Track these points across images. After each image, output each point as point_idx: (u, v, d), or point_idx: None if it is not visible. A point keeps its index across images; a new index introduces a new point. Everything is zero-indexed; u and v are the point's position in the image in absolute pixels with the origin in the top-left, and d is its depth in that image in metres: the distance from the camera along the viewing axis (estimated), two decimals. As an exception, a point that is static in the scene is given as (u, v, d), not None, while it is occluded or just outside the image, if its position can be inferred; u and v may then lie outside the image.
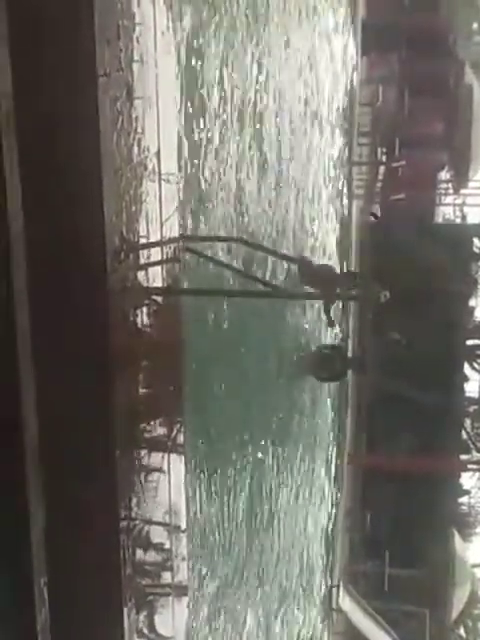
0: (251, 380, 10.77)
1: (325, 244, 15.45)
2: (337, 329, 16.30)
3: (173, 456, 6.41)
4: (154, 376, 5.82)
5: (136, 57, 5.16)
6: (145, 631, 5.88)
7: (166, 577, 6.47)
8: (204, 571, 8.89)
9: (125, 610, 5.27)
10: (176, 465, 6.46)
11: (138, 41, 5.17)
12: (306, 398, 14.82)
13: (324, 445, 16.45)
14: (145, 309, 5.64)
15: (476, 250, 20.93)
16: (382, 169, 22.18)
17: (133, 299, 5.36)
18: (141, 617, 5.72)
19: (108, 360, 4.86)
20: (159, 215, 5.81)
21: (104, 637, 5.27)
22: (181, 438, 6.64)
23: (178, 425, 6.60)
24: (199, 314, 7.99)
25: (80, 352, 4.77)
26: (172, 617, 6.44)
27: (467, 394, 20.98)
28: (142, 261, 5.51)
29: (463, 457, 21.19)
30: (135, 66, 5.14)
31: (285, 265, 10.64)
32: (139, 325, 5.54)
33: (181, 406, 6.68)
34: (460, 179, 23.08)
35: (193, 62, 7.71)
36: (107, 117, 4.66)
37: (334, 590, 17.63)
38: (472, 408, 21.04)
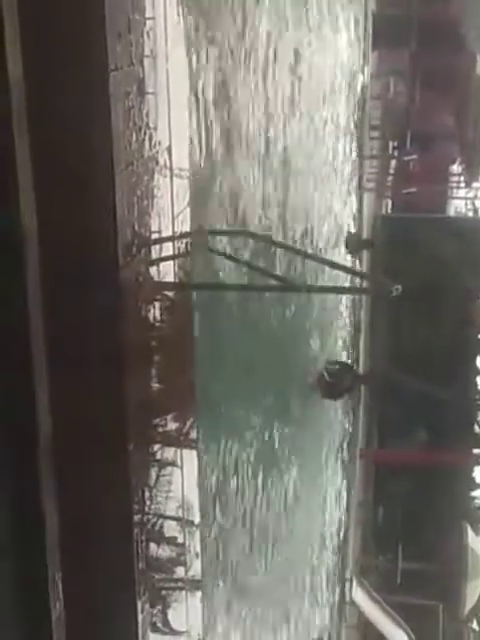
0: (264, 373, 10.77)
1: (338, 237, 15.42)
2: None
3: (186, 450, 6.42)
4: (167, 370, 5.82)
5: (147, 52, 5.15)
6: (159, 625, 5.90)
7: (179, 571, 6.49)
8: (217, 565, 8.90)
9: (139, 604, 5.29)
10: (189, 459, 6.47)
11: (149, 35, 5.17)
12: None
13: (337, 438, 16.44)
14: (157, 304, 5.64)
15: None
16: (393, 163, 22.12)
17: (145, 294, 5.36)
18: (155, 611, 5.74)
19: (121, 355, 4.87)
20: (171, 210, 5.81)
21: (118, 631, 5.29)
22: (194, 432, 6.65)
23: (191, 420, 6.60)
24: (212, 308, 7.99)
25: (93, 347, 4.77)
26: (186, 611, 6.45)
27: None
28: (153, 256, 5.51)
29: (476, 451, 21.15)
30: (146, 61, 5.14)
31: (296, 258, 10.64)
32: (151, 320, 5.55)
33: (194, 400, 6.68)
34: (472, 172, 22.98)
35: (205, 55, 7.70)
36: (119, 112, 4.66)
37: (347, 583, 17.64)
38: (485, 402, 21.00)
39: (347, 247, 15.07)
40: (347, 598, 17.64)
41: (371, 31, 17.77)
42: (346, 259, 15.82)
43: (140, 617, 5.30)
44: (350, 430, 17.56)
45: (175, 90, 5.81)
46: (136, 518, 5.25)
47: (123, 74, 4.71)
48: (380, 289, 6.40)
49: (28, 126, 4.23)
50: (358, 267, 16.51)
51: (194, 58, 7.26)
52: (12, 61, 4.09)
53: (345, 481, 17.09)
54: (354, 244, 15.62)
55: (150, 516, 5.58)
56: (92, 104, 4.46)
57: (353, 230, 16.63)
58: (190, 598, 6.56)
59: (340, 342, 16.40)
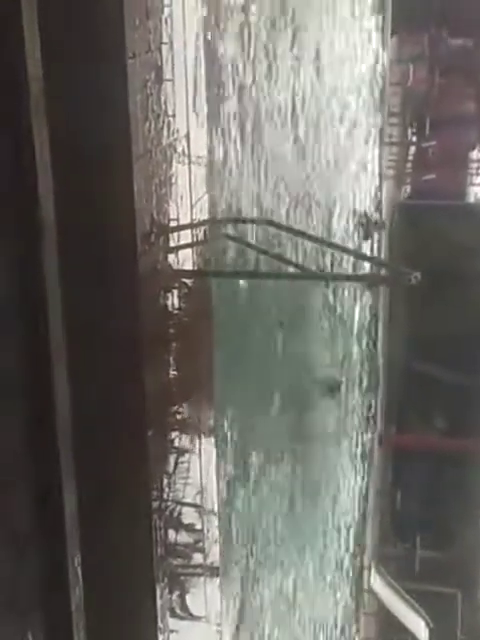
0: (283, 360, 10.78)
1: (357, 225, 15.37)
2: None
3: (204, 437, 6.44)
4: (185, 358, 5.84)
5: (165, 38, 5.15)
6: (177, 610, 5.94)
7: (198, 558, 6.52)
8: (235, 551, 8.94)
9: (158, 589, 5.33)
10: (208, 446, 6.50)
11: (167, 22, 5.16)
12: (340, 377, 14.78)
13: (357, 424, 16.44)
14: (176, 291, 5.65)
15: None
16: (413, 149, 21.99)
17: (164, 281, 5.37)
18: (174, 596, 5.78)
19: (139, 342, 4.89)
20: (189, 197, 5.81)
21: (137, 616, 5.33)
22: (212, 419, 6.67)
23: (209, 406, 6.62)
24: (231, 296, 7.99)
25: (111, 335, 4.80)
26: (205, 597, 6.49)
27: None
28: (172, 244, 5.51)
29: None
30: (164, 47, 5.13)
31: (315, 247, 10.61)
32: (170, 307, 5.56)
33: (212, 387, 6.70)
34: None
35: (223, 42, 7.67)
36: (136, 99, 4.66)
37: (366, 571, 17.67)
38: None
39: (360, 231, 15.13)
40: (365, 586, 17.67)
41: (391, 16, 17.64)
42: (364, 248, 15.79)
43: (159, 602, 5.34)
44: (370, 416, 17.55)
45: (193, 77, 5.81)
46: (154, 505, 5.28)
47: (141, 61, 4.70)
48: (399, 277, 6.38)
49: (46, 114, 4.24)
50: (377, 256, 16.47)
51: (212, 44, 7.24)
52: (30, 49, 4.10)
53: (364, 468, 17.10)
54: (366, 227, 15.65)
55: (168, 503, 5.61)
56: (110, 91, 4.47)
57: (371, 217, 16.60)
58: (208, 584, 6.60)
59: (360, 329, 16.37)
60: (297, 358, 11.75)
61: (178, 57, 5.47)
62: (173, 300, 5.62)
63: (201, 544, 6.47)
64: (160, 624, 5.39)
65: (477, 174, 23.79)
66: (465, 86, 21.63)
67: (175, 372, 5.68)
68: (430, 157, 21.87)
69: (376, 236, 16.91)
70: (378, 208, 17.56)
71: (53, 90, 4.24)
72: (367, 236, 16.01)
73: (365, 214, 16.22)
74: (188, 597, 6.16)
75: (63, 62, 4.32)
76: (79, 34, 4.36)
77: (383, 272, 8.49)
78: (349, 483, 16.01)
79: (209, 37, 7.01)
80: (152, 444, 5.11)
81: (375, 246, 16.87)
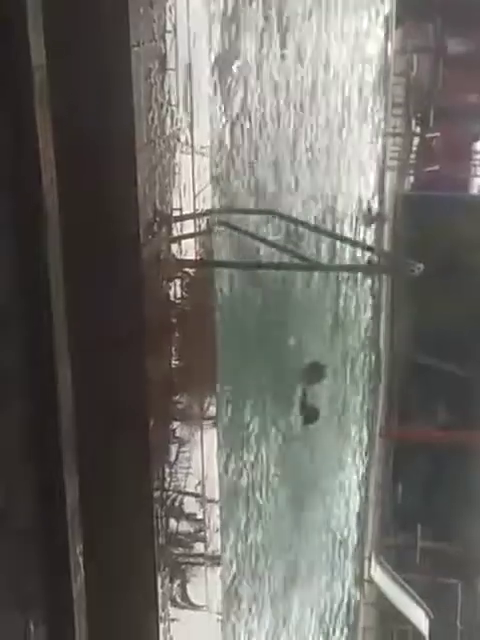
0: (286, 352, 10.78)
1: (359, 216, 15.36)
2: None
3: (206, 427, 6.45)
4: (187, 348, 5.84)
5: (169, 27, 5.13)
6: (178, 599, 5.96)
7: (199, 547, 6.54)
8: (236, 541, 8.96)
9: (159, 578, 5.34)
10: (209, 436, 6.51)
11: (171, 10, 5.13)
12: (341, 368, 14.80)
13: (358, 417, 16.46)
14: (178, 281, 5.65)
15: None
16: (416, 140, 21.94)
17: (167, 271, 5.37)
18: (174, 586, 5.80)
19: (141, 332, 4.89)
20: (192, 187, 5.80)
21: (138, 604, 5.35)
22: (213, 409, 6.68)
23: (211, 396, 6.63)
24: (233, 286, 7.99)
25: (114, 324, 4.80)
26: (205, 586, 6.51)
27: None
28: (175, 234, 5.51)
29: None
30: (168, 36, 5.11)
31: (320, 238, 10.61)
32: (172, 297, 5.56)
33: (214, 378, 6.71)
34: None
35: (227, 32, 7.65)
36: (140, 88, 4.64)
37: (366, 561, 17.72)
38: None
39: (362, 223, 15.18)
40: (366, 576, 17.72)
41: (396, 6, 17.58)
42: (367, 239, 15.78)
43: (160, 591, 5.36)
44: (370, 408, 17.57)
45: (197, 66, 5.79)
46: (156, 494, 5.29)
47: (145, 50, 4.69)
48: (401, 268, 6.38)
49: (49, 103, 4.23)
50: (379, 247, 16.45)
51: (216, 33, 7.22)
52: (34, 37, 4.09)
53: (364, 459, 17.13)
54: (366, 219, 15.70)
55: (170, 492, 5.62)
56: (114, 81, 4.46)
57: (373, 208, 16.59)
58: (209, 573, 6.62)
59: (362, 321, 16.37)
60: (297, 347, 11.75)
61: (182, 46, 5.45)
62: (176, 290, 5.62)
63: (202, 533, 6.49)
64: (161, 613, 5.41)
65: (481, 165, 23.75)
66: (469, 77, 21.57)
67: (177, 362, 5.68)
68: (434, 148, 21.84)
69: (378, 227, 16.90)
70: (381, 199, 17.53)
71: (56, 79, 4.23)
72: (368, 227, 16.02)
73: (368, 206, 16.21)
74: (189, 586, 6.18)
75: (67, 51, 4.31)
76: (83, 22, 4.34)
77: (385, 263, 8.49)
78: (350, 474, 16.04)
79: (213, 26, 6.99)
80: (154, 434, 5.11)
81: (378, 237, 16.85)
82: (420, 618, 18.80)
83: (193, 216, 5.81)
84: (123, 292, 4.75)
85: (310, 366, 12.48)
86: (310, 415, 12.73)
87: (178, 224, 5.55)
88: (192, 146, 5.78)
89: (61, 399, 4.54)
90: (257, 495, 9.74)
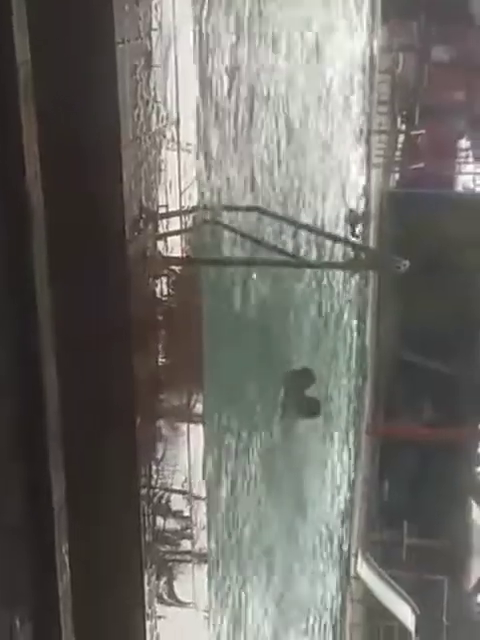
0: (273, 349, 10.79)
1: (344, 214, 15.37)
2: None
3: (193, 425, 6.45)
4: (174, 345, 5.84)
5: (155, 24, 5.12)
6: (165, 596, 5.96)
7: (186, 544, 6.54)
8: (223, 538, 8.97)
9: (146, 576, 5.34)
10: (196, 433, 6.50)
11: (157, 8, 5.13)
12: (328, 368, 14.84)
13: (344, 414, 16.50)
14: (164, 279, 5.64)
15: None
16: (401, 137, 22.01)
17: (152, 268, 5.36)
18: (161, 583, 5.80)
19: (127, 329, 4.88)
20: (178, 184, 5.80)
21: (125, 601, 5.35)
22: (200, 407, 6.68)
23: (198, 394, 6.63)
24: (219, 284, 8.00)
25: (99, 322, 4.79)
26: (192, 583, 6.51)
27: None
28: (161, 231, 5.50)
29: (482, 427, 21.21)
30: (154, 34, 5.10)
31: (304, 234, 10.62)
32: (159, 295, 5.55)
33: (201, 375, 6.71)
34: (480, 147, 22.87)
35: (212, 30, 7.65)
36: (126, 85, 4.63)
37: (352, 558, 17.78)
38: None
39: (347, 220, 15.17)
40: (352, 572, 17.78)
41: (381, 4, 17.63)
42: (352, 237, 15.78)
43: (147, 588, 5.35)
44: (357, 406, 17.61)
45: (183, 64, 5.78)
46: (143, 492, 5.29)
47: (130, 47, 4.67)
48: (387, 265, 6.39)
49: (34, 100, 4.21)
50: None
51: (202, 30, 7.21)
52: (18, 33, 4.07)
53: (351, 456, 17.17)
54: (350, 218, 15.72)
55: (157, 490, 5.62)
56: (99, 77, 4.44)
57: (358, 206, 16.62)
58: (196, 570, 6.62)
59: (349, 318, 16.41)
60: (284, 345, 11.77)
61: (168, 43, 5.44)
62: (162, 287, 5.61)
63: (189, 531, 6.49)
64: (148, 610, 5.41)
65: (465, 163, 23.85)
66: (454, 75, 21.65)
67: (164, 360, 5.68)
68: (419, 146, 21.92)
69: (362, 225, 16.93)
70: (366, 196, 17.57)
71: (41, 76, 4.21)
72: (353, 225, 16.03)
73: (354, 203, 16.24)
74: (175, 583, 6.18)
75: (52, 47, 4.29)
76: (68, 19, 4.33)
77: (370, 260, 8.49)
78: (336, 471, 16.07)
79: (199, 23, 6.98)
80: (141, 432, 5.11)
81: (363, 235, 16.88)
82: (406, 614, 18.88)
83: (179, 213, 5.81)
84: (109, 289, 4.74)
85: (301, 372, 12.51)
86: (312, 407, 12.81)
87: (164, 221, 5.54)
88: (178, 143, 5.77)
89: (47, 397, 4.53)
90: (244, 492, 9.75)
